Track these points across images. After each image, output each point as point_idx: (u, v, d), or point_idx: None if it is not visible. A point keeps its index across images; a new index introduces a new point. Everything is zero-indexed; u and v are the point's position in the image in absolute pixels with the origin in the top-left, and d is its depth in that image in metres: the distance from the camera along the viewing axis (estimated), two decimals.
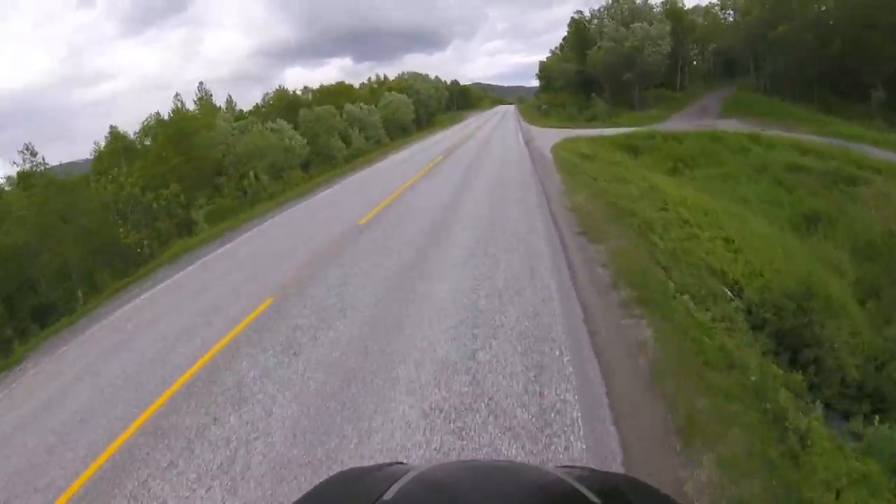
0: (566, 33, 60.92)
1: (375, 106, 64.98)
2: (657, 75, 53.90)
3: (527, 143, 30.15)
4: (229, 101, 66.41)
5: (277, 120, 45.49)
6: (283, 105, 55.68)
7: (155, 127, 45.26)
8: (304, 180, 33.25)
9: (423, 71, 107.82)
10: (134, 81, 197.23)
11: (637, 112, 50.24)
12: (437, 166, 25.82)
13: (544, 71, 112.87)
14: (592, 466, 2.16)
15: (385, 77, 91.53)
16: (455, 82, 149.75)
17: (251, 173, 36.34)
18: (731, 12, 61.85)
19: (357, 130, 51.37)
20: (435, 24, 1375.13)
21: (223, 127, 47.06)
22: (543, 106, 79.73)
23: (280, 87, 61.53)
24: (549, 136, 31.80)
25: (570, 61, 54.07)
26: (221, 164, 42.71)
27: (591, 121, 46.38)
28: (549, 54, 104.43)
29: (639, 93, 52.68)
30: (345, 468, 1.16)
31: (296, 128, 48.96)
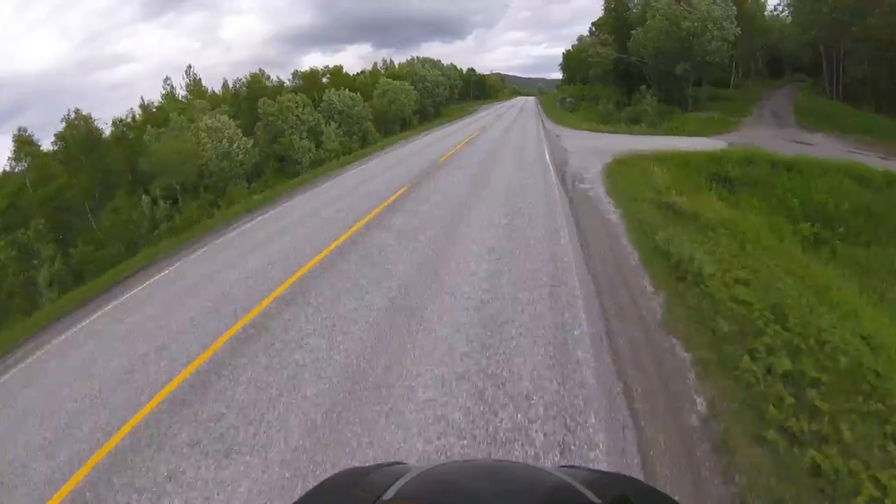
0: (602, 12, 49.03)
1: (372, 94, 54.18)
2: (716, 68, 42.44)
3: (558, 166, 18.39)
4: (224, 87, 55.82)
5: (217, 115, 34.24)
6: (255, 92, 44.59)
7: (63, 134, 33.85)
8: (218, 210, 22.22)
9: (439, 59, 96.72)
10: (153, 65, 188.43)
11: (691, 114, 39.04)
12: (394, 205, 15.21)
13: (569, 61, 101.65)
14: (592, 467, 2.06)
15: (390, 62, 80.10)
16: (471, 70, 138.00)
17: (144, 197, 25.32)
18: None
19: (334, 126, 40.56)
20: (456, 12, 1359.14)
21: (178, 123, 36.27)
22: (568, 99, 69.14)
23: (260, 71, 51.13)
24: (589, 148, 21.01)
25: (608, 45, 42.64)
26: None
27: (636, 123, 35.33)
28: (576, 42, 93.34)
29: (691, 89, 41.22)
30: (345, 468, 1.17)
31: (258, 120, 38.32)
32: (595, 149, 20.82)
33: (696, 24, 36.96)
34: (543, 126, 36.02)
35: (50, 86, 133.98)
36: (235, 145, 31.34)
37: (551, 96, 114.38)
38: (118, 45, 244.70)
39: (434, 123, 52.37)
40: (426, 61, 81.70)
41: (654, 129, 33.14)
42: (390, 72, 70.35)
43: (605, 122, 40.14)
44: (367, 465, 1.13)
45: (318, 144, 36.77)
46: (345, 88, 43.65)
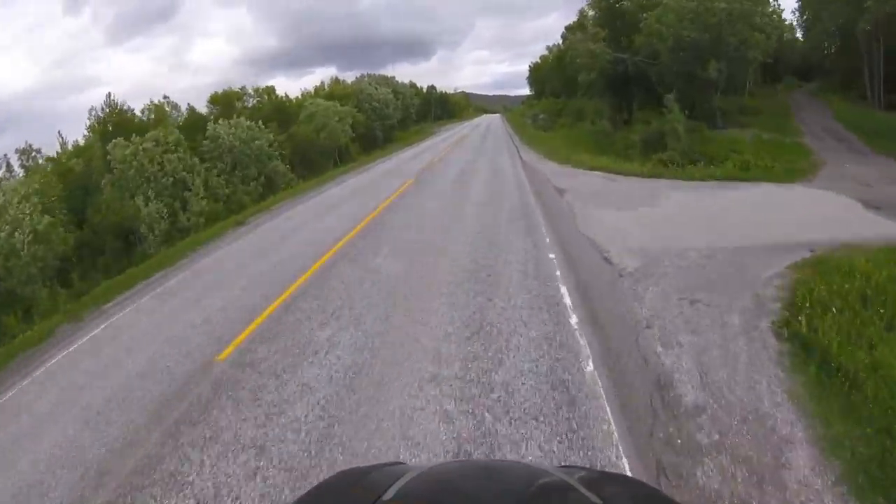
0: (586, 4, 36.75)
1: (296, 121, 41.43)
2: (749, 69, 30.69)
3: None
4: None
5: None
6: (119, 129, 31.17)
7: None
8: None
9: (404, 80, 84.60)
10: (123, 88, 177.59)
11: (724, 132, 27.20)
12: None
13: (537, 73, 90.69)
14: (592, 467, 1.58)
15: (333, 80, 67.14)
16: (432, 88, 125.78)
17: None
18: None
19: (218, 172, 27.84)
20: (422, 34, 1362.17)
21: None
22: (541, 116, 57.50)
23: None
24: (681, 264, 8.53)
25: (600, 41, 30.67)
26: None
27: (652, 149, 23.36)
28: (545, 53, 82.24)
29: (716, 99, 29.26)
30: (345, 468, 1.18)
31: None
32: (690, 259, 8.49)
33: (736, 3, 24.97)
34: (521, 160, 23.91)
35: (22, 109, 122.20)
36: (19, 234, 18.28)
37: (517, 112, 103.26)
38: (89, 69, 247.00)
39: (371, 157, 39.71)
40: (376, 78, 69.29)
41: (689, 161, 21.27)
42: (330, 91, 57.64)
43: (602, 149, 28.19)
44: (367, 465, 1.10)
45: (173, 215, 24.17)
46: (238, 116, 30.78)
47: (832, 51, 42.29)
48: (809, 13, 39.07)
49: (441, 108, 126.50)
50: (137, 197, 22.97)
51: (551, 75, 69.79)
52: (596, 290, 7.44)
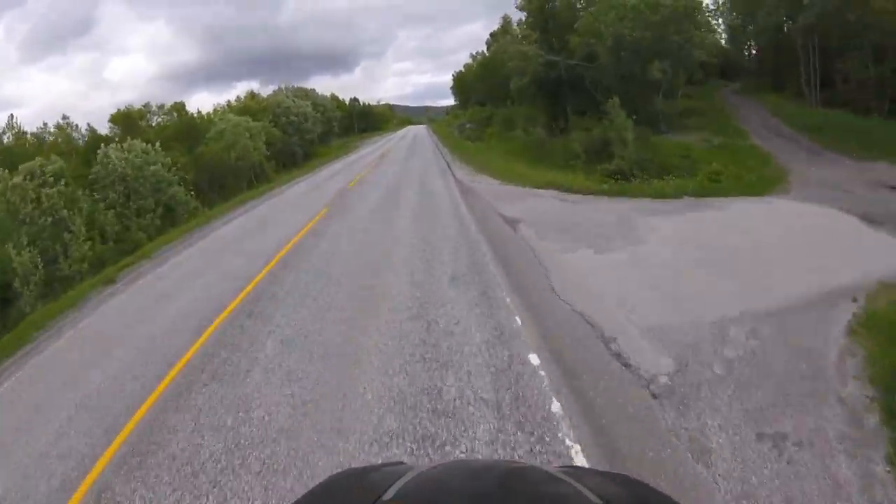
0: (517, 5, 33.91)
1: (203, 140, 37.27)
2: (691, 70, 28.85)
3: None
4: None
5: None
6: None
7: None
8: None
9: (326, 92, 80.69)
10: (39, 108, 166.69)
11: (671, 137, 25.11)
12: None
13: (461, 83, 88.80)
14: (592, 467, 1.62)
15: (248, 94, 62.34)
16: (354, 100, 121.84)
17: None
18: None
19: (93, 212, 23.50)
20: (345, 46, 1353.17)
21: None
22: (468, 125, 55.30)
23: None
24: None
25: (532, 42, 28.02)
26: None
27: (597, 159, 20.69)
28: (470, 61, 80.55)
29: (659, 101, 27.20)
30: (344, 468, 1.15)
31: None
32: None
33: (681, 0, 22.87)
34: (454, 178, 20.57)
35: None
36: None
37: (442, 123, 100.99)
38: (2, 89, 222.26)
39: (289, 176, 35.76)
40: (295, 90, 65.23)
41: (644, 171, 18.87)
42: (244, 105, 53.05)
43: (539, 160, 25.63)
44: (367, 465, 1.09)
45: (66, 251, 19.92)
46: (133, 139, 26.40)
47: (756, 51, 41.62)
48: (738, 13, 38.02)
49: (365, 121, 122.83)
50: (9, 244, 18.56)
51: (476, 83, 67.80)
52: (626, 437, 4.30)
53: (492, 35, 58.49)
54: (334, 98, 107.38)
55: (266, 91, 75.23)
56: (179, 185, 27.55)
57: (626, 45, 24.52)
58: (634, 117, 22.50)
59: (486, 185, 17.44)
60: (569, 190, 15.07)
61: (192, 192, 29.67)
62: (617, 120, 21.80)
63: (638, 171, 19.32)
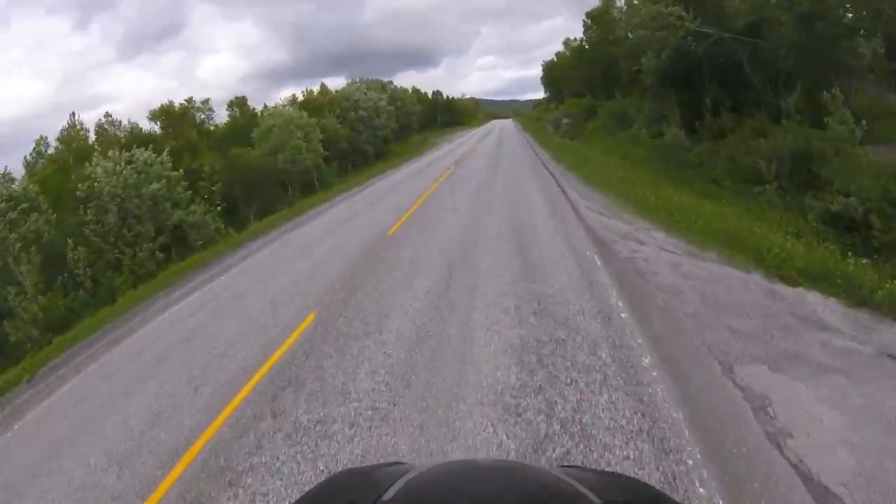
0: None
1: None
2: None
3: None
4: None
5: None
6: None
7: None
8: None
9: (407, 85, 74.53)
10: (132, 104, 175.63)
11: (877, 151, 16.30)
12: None
13: (552, 73, 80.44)
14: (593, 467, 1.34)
15: (309, 91, 55.77)
16: (437, 93, 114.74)
17: None
18: None
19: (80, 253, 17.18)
20: (428, 42, 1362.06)
21: None
22: (564, 120, 47.50)
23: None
24: None
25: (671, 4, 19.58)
26: None
27: (795, 185, 12.36)
28: (562, 49, 72.09)
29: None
30: (344, 469, 1.04)
31: None
32: None
33: None
34: (574, 211, 12.47)
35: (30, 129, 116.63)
36: None
37: (531, 117, 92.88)
38: (97, 87, 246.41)
39: (343, 186, 28.47)
40: (370, 83, 58.63)
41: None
42: (307, 99, 46.84)
43: (675, 172, 17.46)
44: (367, 465, 1.06)
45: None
46: (137, 147, 20.14)
47: None
48: None
49: (448, 115, 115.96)
50: None
51: (572, 72, 59.30)
52: None
53: (588, 16, 49.82)
54: (416, 91, 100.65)
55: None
56: (195, 203, 20.98)
57: (828, 8, 15.84)
58: (863, 122, 13.80)
59: (647, 237, 9.50)
60: (779, 270, 7.00)
61: (220, 207, 23.22)
62: (835, 120, 13.28)
63: (879, 221, 10.97)
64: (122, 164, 19.28)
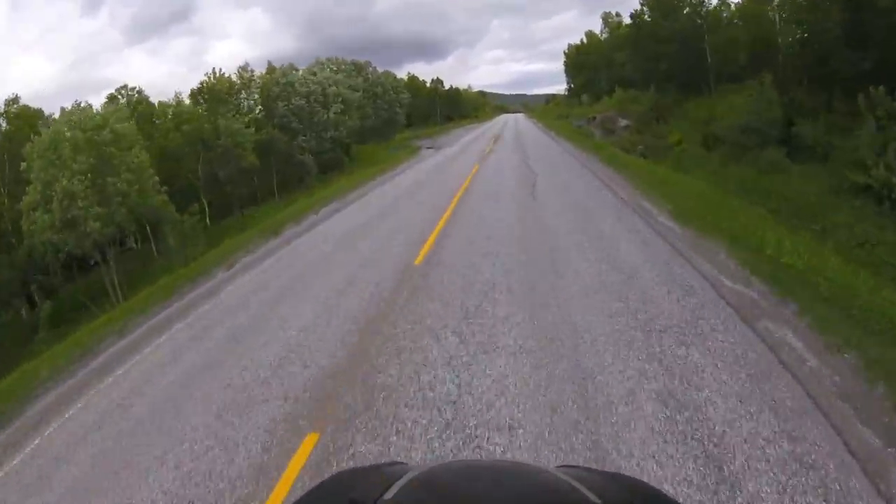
0: None
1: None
2: None
3: None
4: None
5: None
6: None
7: None
8: None
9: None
10: (141, 89, 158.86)
11: None
12: None
13: (577, 61, 63.77)
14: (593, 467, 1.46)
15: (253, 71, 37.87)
16: (438, 82, 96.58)
17: None
18: None
19: None
20: (439, 34, 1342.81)
21: None
22: (622, 122, 31.99)
23: None
24: None
25: None
26: None
27: None
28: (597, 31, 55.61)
29: None
30: (344, 469, 0.99)
31: None
32: None
33: None
34: None
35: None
36: None
37: (545, 112, 77.71)
38: (107, 70, 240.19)
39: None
40: (337, 62, 40.89)
41: None
42: (202, 90, 29.09)
43: None
44: (367, 465, 1.05)
45: None
46: None
47: None
48: None
49: (451, 107, 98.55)
50: None
51: (616, 55, 42.36)
52: None
53: None
54: (412, 79, 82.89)
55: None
56: None
57: None
58: None
59: None
60: None
61: None
62: None
63: None
64: None
